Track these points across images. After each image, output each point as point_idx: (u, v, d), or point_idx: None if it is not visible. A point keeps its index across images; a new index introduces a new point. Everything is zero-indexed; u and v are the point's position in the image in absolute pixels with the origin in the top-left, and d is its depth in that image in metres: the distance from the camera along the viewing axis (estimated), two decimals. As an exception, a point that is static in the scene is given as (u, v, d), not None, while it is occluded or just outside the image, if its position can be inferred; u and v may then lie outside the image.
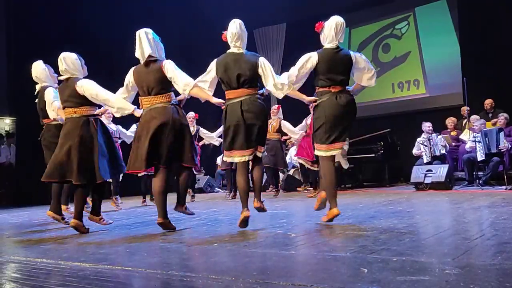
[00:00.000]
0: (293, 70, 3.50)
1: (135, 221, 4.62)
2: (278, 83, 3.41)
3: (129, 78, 3.63)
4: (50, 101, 4.36)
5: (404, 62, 10.04)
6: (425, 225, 3.24)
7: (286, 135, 7.44)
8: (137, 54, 3.58)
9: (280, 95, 3.47)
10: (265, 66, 3.41)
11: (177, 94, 3.65)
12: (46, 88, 4.49)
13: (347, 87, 3.54)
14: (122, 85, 3.74)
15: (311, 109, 3.72)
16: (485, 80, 8.07)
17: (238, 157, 3.43)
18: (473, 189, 6.42)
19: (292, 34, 11.28)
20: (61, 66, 3.88)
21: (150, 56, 3.53)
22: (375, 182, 8.86)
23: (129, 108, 3.71)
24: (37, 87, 4.58)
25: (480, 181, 6.62)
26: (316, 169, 7.38)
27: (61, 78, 3.96)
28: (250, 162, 3.52)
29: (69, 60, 3.89)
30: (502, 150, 6.55)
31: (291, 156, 9.13)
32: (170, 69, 3.50)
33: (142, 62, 3.58)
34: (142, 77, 3.54)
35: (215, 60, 3.52)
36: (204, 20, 11.49)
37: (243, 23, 3.49)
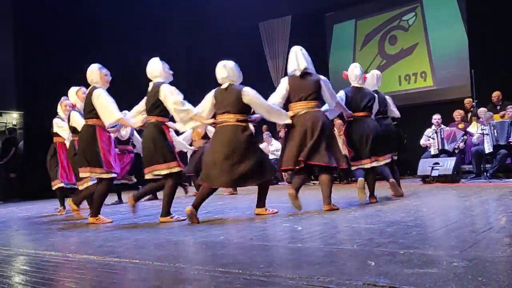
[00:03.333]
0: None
1: (142, 215, 4.64)
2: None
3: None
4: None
5: (411, 54, 9.93)
6: (432, 218, 3.23)
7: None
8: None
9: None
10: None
11: None
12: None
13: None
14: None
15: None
16: (493, 72, 7.97)
17: None
18: (480, 182, 6.37)
19: (297, 27, 11.21)
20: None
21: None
22: (381, 175, 8.79)
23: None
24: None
25: (488, 174, 6.57)
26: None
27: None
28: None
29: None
30: (511, 143, 6.49)
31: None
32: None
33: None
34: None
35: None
36: (208, 14, 11.45)
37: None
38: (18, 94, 9.50)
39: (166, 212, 3.86)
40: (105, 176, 4.00)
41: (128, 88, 6.96)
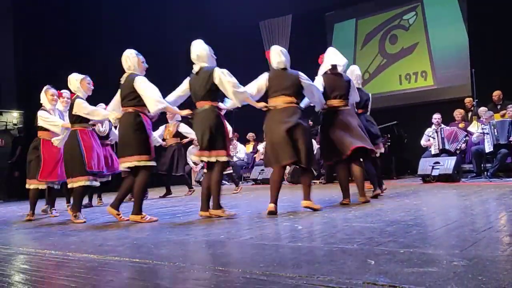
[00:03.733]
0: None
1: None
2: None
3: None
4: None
5: (411, 54, 9.92)
6: (432, 217, 3.23)
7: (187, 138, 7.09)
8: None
9: None
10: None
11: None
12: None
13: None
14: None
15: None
16: (494, 72, 7.97)
17: None
18: (481, 181, 6.36)
19: (297, 26, 11.21)
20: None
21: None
22: (381, 174, 8.79)
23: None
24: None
25: (488, 173, 6.56)
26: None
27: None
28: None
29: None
30: (511, 142, 6.48)
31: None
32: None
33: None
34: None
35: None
36: (209, 13, 11.44)
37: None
38: (18, 94, 9.51)
39: (217, 204, 3.84)
40: (150, 163, 3.94)
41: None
